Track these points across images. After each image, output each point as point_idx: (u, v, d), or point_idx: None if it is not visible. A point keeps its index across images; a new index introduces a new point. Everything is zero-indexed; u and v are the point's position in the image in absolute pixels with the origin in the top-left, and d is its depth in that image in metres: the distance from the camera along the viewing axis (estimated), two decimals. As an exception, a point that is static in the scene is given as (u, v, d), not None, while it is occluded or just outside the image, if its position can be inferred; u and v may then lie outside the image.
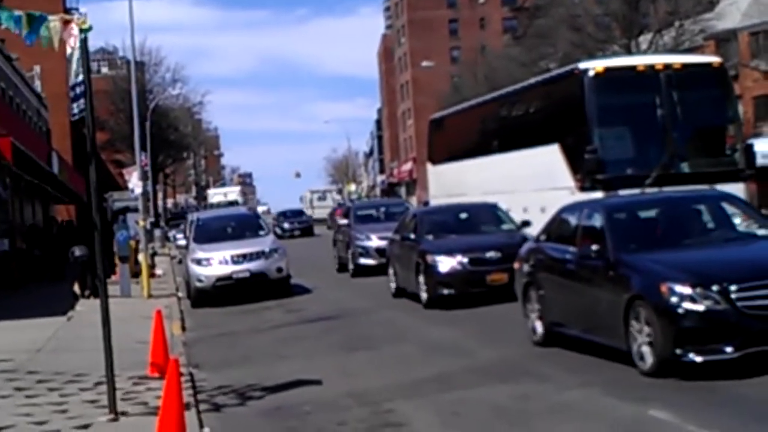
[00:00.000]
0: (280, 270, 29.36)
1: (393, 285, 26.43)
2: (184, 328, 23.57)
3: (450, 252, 23.29)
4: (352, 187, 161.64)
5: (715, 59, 28.21)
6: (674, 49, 55.11)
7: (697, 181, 23.15)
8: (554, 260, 16.25)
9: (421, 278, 23.60)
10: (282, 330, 22.63)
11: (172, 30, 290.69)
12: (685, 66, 26.34)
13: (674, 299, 12.86)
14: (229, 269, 28.85)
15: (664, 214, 15.79)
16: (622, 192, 21.91)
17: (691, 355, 12.76)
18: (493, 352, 16.71)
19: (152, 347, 16.12)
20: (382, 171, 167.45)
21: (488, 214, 26.24)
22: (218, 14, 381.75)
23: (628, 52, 56.25)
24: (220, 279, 28.80)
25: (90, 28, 12.59)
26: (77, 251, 29.60)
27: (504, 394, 13.25)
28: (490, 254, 22.91)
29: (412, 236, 25.23)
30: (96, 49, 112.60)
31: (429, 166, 41.34)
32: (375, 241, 32.70)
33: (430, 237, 24.78)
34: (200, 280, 28.91)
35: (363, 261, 33.21)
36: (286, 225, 77.06)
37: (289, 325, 23.45)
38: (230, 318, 25.73)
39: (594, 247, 14.62)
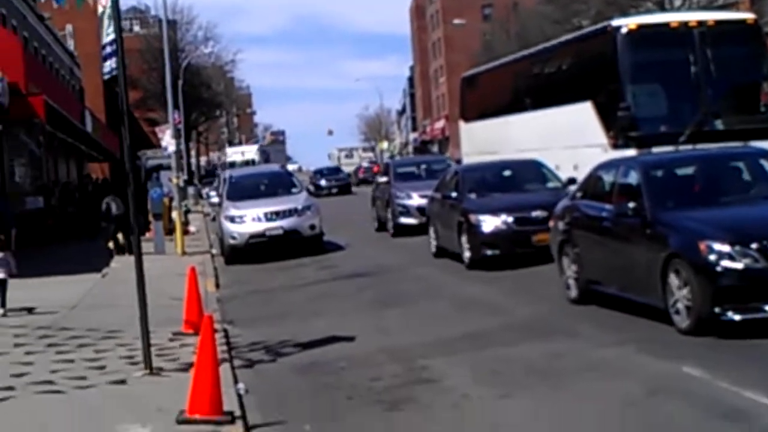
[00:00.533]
0: (312, 227, 29.32)
1: (434, 244, 25.67)
2: (218, 285, 23.58)
3: (494, 211, 22.37)
4: (385, 144, 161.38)
5: (749, 16, 27.89)
6: (708, 6, 54.36)
7: (731, 138, 22.89)
8: (590, 218, 16.05)
9: (464, 238, 22.73)
10: (316, 287, 22.57)
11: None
12: (719, 23, 26.07)
13: (713, 257, 12.66)
14: (262, 226, 28.82)
15: (702, 171, 15.51)
16: (656, 149, 21.68)
17: (730, 314, 12.56)
18: (528, 310, 16.58)
19: (186, 304, 16.10)
20: (414, 129, 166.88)
21: (533, 172, 25.25)
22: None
23: (662, 8, 55.56)
24: (253, 236, 28.76)
25: (122, -12, 12.45)
26: (113, 207, 29.72)
27: (538, 352, 13.15)
28: (536, 213, 21.75)
29: (454, 195, 24.27)
30: (128, 8, 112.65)
31: (461, 124, 41.09)
32: (416, 200, 31.09)
33: (472, 195, 23.82)
34: (234, 238, 28.89)
35: (404, 220, 31.87)
36: (323, 182, 74.72)
37: (323, 282, 23.39)
38: (264, 275, 25.69)
39: (631, 204, 14.41)
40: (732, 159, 16.17)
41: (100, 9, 12.79)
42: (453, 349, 13.86)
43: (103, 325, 16.79)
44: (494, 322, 15.76)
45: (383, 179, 35.58)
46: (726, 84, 25.53)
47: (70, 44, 67.26)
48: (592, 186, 16.74)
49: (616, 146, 24.85)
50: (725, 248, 12.64)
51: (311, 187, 66.36)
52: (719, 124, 24.75)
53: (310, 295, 21.28)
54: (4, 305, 18.84)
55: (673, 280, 13.19)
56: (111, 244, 29.89)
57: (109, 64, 12.90)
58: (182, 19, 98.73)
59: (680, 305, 13.09)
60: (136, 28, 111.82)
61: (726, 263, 12.60)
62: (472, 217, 22.54)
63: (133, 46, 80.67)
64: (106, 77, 13.63)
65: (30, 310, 19.17)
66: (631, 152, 22.64)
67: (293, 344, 15.00)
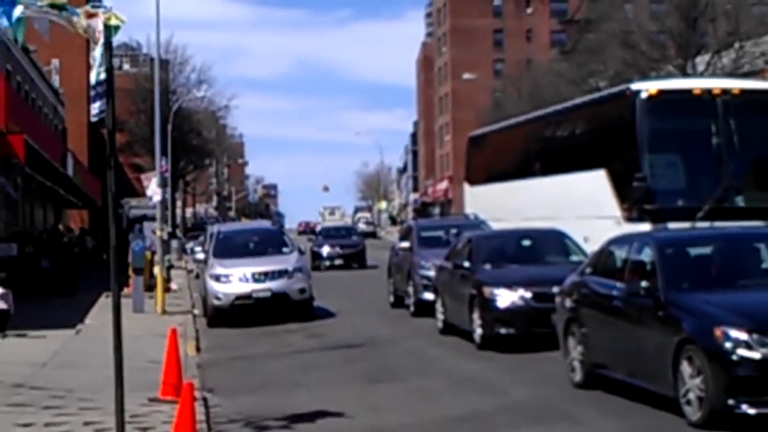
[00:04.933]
0: (302, 291, 29.07)
1: (440, 319, 24.47)
2: (198, 349, 23.49)
3: (511, 284, 21.30)
4: (383, 204, 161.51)
5: (777, 86, 28.00)
6: (733, 73, 54.69)
7: (753, 216, 22.95)
8: (600, 296, 16.02)
9: (476, 314, 21.59)
10: (302, 356, 22.49)
11: (201, 27, 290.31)
12: (745, 92, 26.16)
13: (728, 345, 12.64)
14: (249, 287, 28.64)
15: (721, 252, 15.52)
16: (672, 225, 21.68)
17: (744, 407, 12.53)
18: (528, 391, 16.52)
19: (165, 368, 16.01)
20: (415, 189, 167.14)
21: (555, 243, 24.27)
22: (253, 11, 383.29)
23: (684, 73, 55.88)
24: (239, 297, 28.59)
25: (118, 28, 12.47)
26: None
27: (537, 438, 13.09)
28: (557, 289, 19.02)
29: (467, 264, 23.13)
30: (119, 44, 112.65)
31: (466, 187, 41.18)
32: None
33: (487, 266, 22.82)
34: (218, 298, 28.74)
35: (428, 296, 27.18)
36: (325, 249, 56.08)
37: (311, 351, 23.31)
38: (248, 340, 25.62)
39: (643, 283, 14.40)
40: (753, 239, 16.15)
41: (91, 46, 12.82)
42: (446, 431, 13.80)
43: (73, 386, 16.73)
44: (491, 402, 15.70)
45: (404, 244, 31.75)
46: (750, 157, 25.56)
47: (55, 80, 67.41)
48: (603, 261, 16.74)
49: (629, 219, 24.84)
50: (742, 335, 12.63)
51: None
52: (740, 201, 24.78)
53: (296, 364, 21.19)
54: (3, 331, 23.56)
55: (686, 367, 13.15)
56: None
57: (98, 106, 12.89)
58: (175, 59, 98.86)
59: (692, 395, 13.03)
60: (126, 67, 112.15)
61: (742, 352, 12.57)
62: (486, 290, 21.51)
63: (122, 86, 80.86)
64: (94, 119, 13.64)
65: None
66: (645, 227, 22.66)
67: (276, 418, 14.90)
